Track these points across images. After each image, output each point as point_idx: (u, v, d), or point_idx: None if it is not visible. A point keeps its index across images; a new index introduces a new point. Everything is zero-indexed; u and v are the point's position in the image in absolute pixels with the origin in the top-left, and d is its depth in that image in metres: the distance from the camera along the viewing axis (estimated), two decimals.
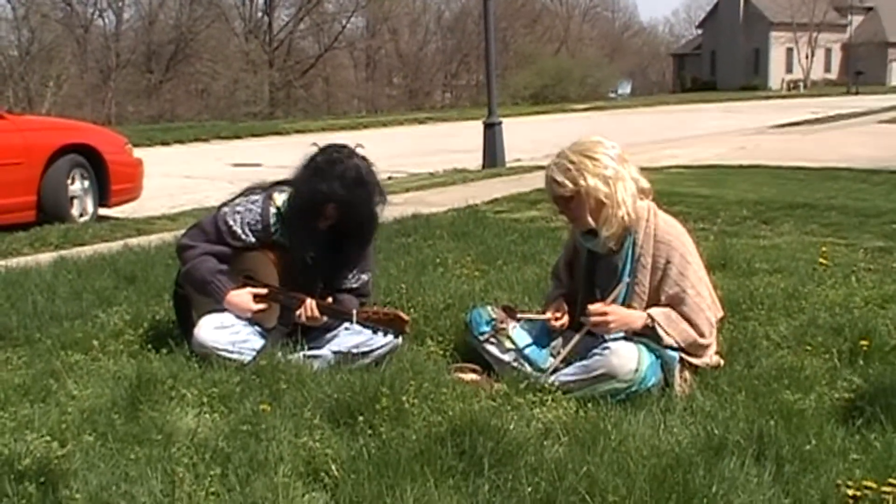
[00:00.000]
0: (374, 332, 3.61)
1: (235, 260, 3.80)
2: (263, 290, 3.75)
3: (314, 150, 3.76)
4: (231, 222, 3.75)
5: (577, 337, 3.49)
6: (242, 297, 3.73)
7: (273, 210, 3.75)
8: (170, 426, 3.03)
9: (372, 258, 4.01)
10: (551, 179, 3.44)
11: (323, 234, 3.73)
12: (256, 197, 3.80)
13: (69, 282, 5.20)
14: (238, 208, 3.78)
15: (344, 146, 3.74)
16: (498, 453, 2.71)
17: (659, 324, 3.35)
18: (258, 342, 3.71)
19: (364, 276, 3.91)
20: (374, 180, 3.71)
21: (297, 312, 3.66)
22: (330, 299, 3.78)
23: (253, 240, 3.77)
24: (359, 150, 3.74)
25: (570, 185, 3.39)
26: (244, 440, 2.88)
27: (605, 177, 3.38)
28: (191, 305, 3.86)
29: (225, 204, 3.86)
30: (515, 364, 3.58)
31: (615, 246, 3.49)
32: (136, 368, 3.50)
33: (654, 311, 3.40)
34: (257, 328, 3.76)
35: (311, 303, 3.63)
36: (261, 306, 3.74)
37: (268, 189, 3.83)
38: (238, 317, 3.73)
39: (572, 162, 3.40)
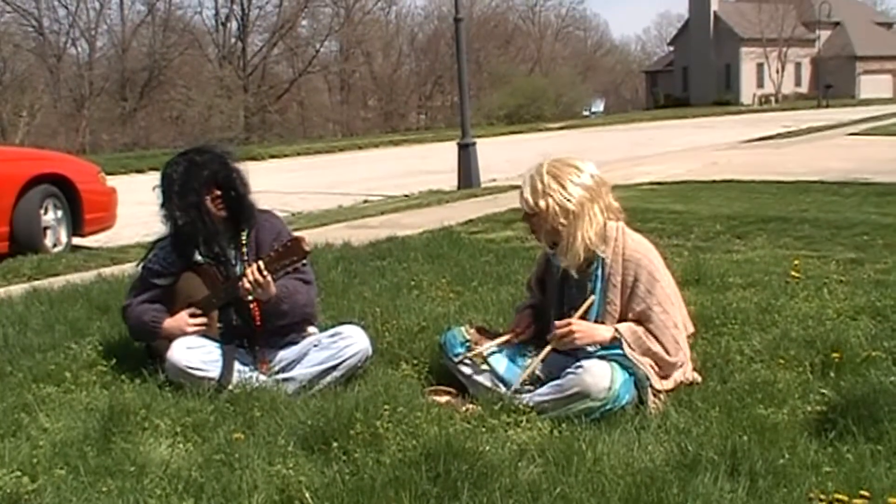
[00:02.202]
0: (287, 272, 3.72)
1: (170, 297, 3.90)
2: (195, 307, 3.84)
3: (163, 172, 3.91)
4: (151, 266, 3.97)
5: (544, 350, 3.49)
6: (178, 318, 3.84)
7: (179, 239, 3.90)
8: (142, 457, 3.00)
9: (288, 235, 4.03)
10: (520, 192, 3.51)
11: (222, 221, 3.87)
12: (164, 240, 3.99)
13: (41, 313, 5.16)
14: (152, 253, 4.00)
15: (171, 160, 3.97)
16: (473, 476, 2.70)
17: (625, 339, 3.37)
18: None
19: None
20: (208, 144, 4.03)
21: (240, 285, 3.70)
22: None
23: (175, 270, 3.91)
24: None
25: (532, 204, 3.44)
26: (218, 469, 2.86)
27: (567, 210, 3.40)
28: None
29: (143, 259, 4.06)
30: (490, 385, 3.57)
31: (582, 266, 3.50)
32: (109, 399, 3.48)
33: (621, 325, 3.42)
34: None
35: (252, 267, 3.68)
36: (199, 320, 3.83)
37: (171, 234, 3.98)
38: (207, 337, 3.79)
39: (542, 182, 3.43)
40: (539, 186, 3.42)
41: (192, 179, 3.81)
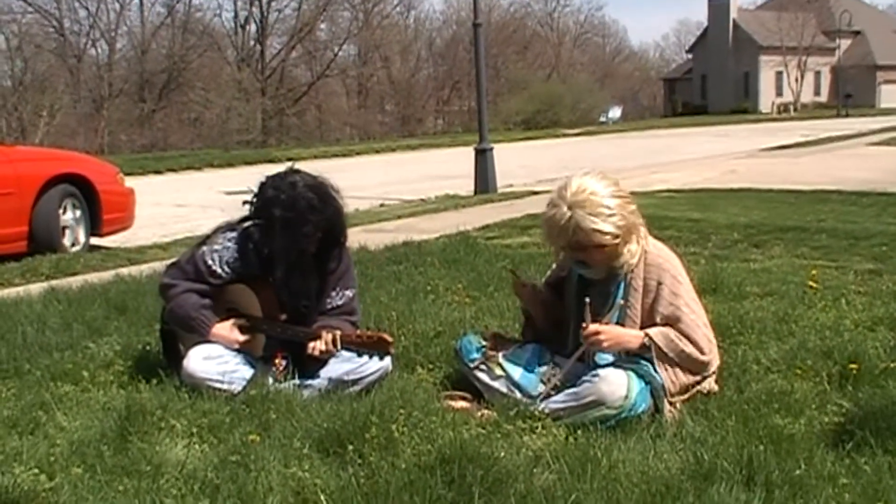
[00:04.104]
0: (360, 354, 3.65)
1: (218, 295, 3.82)
2: (247, 323, 3.78)
3: (268, 195, 3.69)
4: (210, 262, 3.76)
5: (568, 363, 3.49)
6: (229, 329, 3.77)
7: (251, 246, 3.75)
8: (159, 457, 3.01)
9: (352, 273, 4.02)
10: (592, 230, 3.32)
11: (308, 257, 3.76)
12: (232, 234, 3.82)
13: (60, 312, 5.20)
14: (216, 247, 3.79)
15: (283, 175, 3.74)
16: (488, 481, 2.70)
17: (657, 344, 3.35)
18: (247, 371, 3.71)
19: (348, 293, 3.93)
20: (324, 184, 3.76)
21: (311, 346, 3.64)
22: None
23: (233, 276, 3.79)
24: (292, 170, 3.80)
25: (615, 230, 3.35)
26: (233, 471, 2.87)
27: (634, 212, 3.43)
28: (178, 340, 3.87)
29: (203, 243, 3.87)
30: (506, 391, 3.57)
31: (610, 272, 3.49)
32: (126, 399, 3.50)
33: (652, 330, 3.39)
34: (246, 357, 3.77)
35: (328, 337, 3.61)
36: (247, 337, 3.77)
37: (238, 225, 3.84)
38: (226, 347, 3.74)
39: (608, 207, 3.34)
40: (608, 211, 3.34)
41: (304, 223, 3.64)
